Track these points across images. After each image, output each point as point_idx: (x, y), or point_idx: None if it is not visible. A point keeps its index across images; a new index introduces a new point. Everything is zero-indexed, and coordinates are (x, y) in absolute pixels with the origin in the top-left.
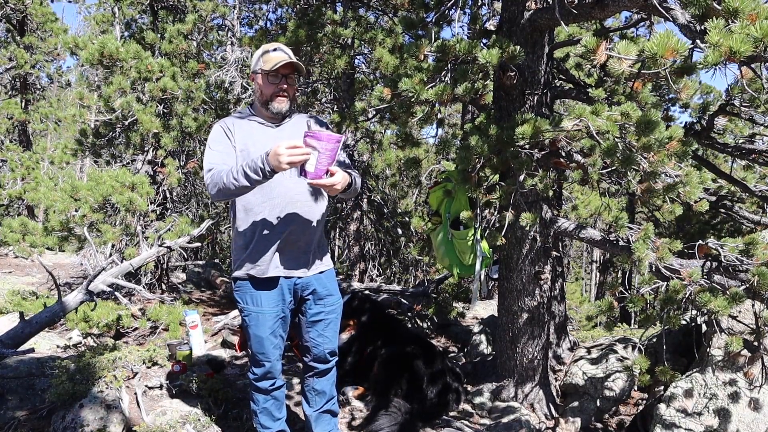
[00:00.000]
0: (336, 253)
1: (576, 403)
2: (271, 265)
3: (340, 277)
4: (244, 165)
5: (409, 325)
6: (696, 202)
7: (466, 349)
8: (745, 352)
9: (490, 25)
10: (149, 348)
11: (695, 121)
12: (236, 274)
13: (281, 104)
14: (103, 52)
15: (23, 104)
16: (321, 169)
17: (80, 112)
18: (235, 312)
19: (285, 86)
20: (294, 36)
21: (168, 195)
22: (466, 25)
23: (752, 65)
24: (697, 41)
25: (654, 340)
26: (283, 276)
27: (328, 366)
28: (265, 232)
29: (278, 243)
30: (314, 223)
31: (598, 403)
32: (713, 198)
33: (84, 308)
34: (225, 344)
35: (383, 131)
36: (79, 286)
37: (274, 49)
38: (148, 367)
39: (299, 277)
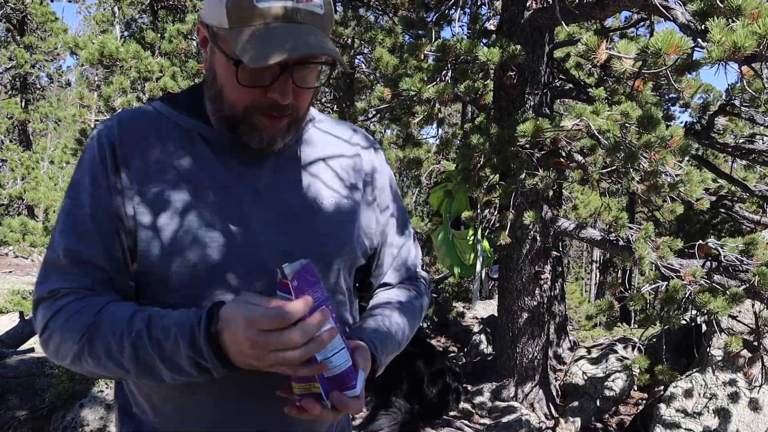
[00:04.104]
0: None
1: (576, 403)
2: None
3: None
4: (152, 326)
5: None
6: (697, 200)
7: (466, 349)
8: (745, 352)
9: (490, 25)
10: None
11: (695, 120)
12: None
13: (271, 135)
14: (103, 52)
15: (23, 104)
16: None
17: (80, 111)
18: None
19: (286, 102)
20: None
21: None
22: (466, 24)
23: (753, 64)
24: (698, 40)
25: (654, 340)
26: None
27: None
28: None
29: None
30: None
31: (598, 403)
32: (713, 198)
33: None
34: None
35: (383, 131)
36: None
37: None
38: None
39: None
